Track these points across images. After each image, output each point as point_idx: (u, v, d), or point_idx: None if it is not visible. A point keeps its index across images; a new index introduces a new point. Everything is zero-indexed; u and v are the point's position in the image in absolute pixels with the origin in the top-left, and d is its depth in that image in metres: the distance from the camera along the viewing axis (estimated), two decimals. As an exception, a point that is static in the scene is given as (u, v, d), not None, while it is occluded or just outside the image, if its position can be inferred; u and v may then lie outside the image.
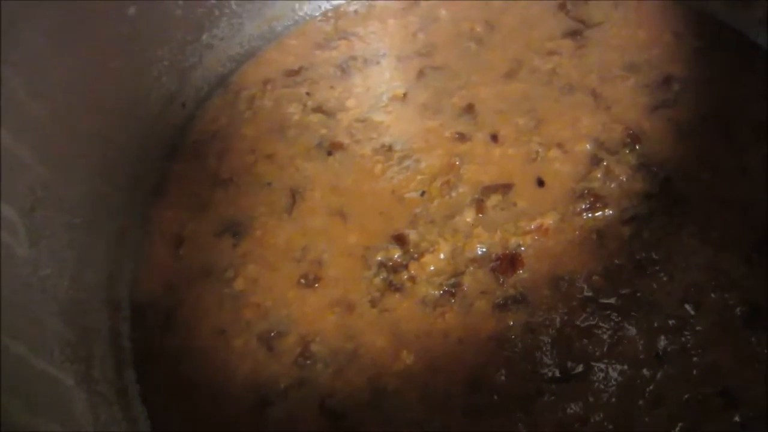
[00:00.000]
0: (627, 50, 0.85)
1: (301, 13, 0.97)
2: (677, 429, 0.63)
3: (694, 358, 0.66)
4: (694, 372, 0.65)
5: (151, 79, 0.82)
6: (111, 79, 0.75)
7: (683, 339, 0.67)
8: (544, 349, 0.69)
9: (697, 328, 0.67)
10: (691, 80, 0.81)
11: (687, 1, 0.86)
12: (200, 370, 0.74)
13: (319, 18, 0.99)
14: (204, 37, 0.88)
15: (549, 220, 0.76)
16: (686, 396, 0.64)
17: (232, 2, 0.89)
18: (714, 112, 0.79)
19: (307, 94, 0.91)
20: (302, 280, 0.77)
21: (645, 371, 0.66)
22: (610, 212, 0.75)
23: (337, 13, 0.99)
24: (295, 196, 0.83)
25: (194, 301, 0.78)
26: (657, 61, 0.84)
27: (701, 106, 0.79)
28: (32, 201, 0.63)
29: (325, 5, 0.99)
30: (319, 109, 0.90)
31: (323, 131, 0.88)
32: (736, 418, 0.63)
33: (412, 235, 0.78)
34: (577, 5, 0.90)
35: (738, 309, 0.68)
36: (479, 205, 0.78)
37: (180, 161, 0.88)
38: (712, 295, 0.69)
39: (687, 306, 0.69)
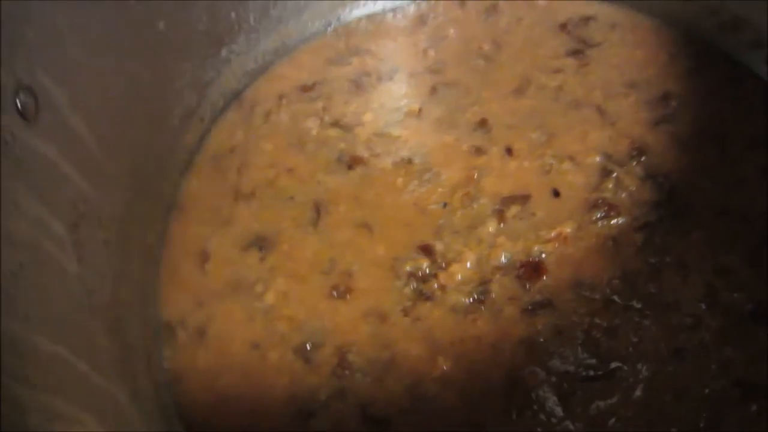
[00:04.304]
0: (626, 69, 0.92)
1: (312, 30, 0.99)
2: (702, 421, 0.69)
3: (711, 353, 0.72)
4: (712, 366, 0.71)
5: (174, 93, 0.82)
6: (141, 93, 0.75)
7: (700, 336, 0.73)
8: (574, 349, 0.73)
9: (712, 325, 0.73)
10: (687, 97, 0.88)
11: (679, 24, 0.93)
12: (237, 386, 0.74)
13: (330, 34, 1.01)
14: (223, 51, 0.89)
15: (567, 229, 0.81)
16: (707, 390, 0.70)
17: (251, 17, 0.91)
18: (710, 126, 0.86)
19: (323, 108, 0.93)
20: (333, 292, 0.79)
21: (668, 367, 0.71)
22: (623, 220, 0.81)
23: (347, 29, 1.01)
24: (319, 209, 0.85)
25: (225, 316, 0.78)
26: (655, 79, 0.90)
27: (698, 120, 0.86)
28: (76, 216, 0.62)
29: (335, 22, 1.01)
30: (336, 124, 0.92)
31: (342, 145, 0.90)
32: (754, 407, 0.69)
33: (438, 246, 0.81)
34: (577, 26, 0.96)
35: (746, 307, 0.74)
36: (500, 216, 0.82)
37: (199, 176, 0.88)
38: (722, 294, 0.75)
39: (701, 305, 0.75)
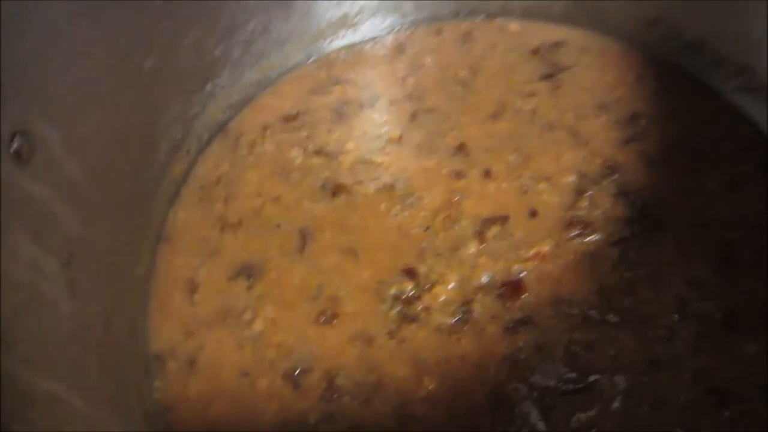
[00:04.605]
0: (597, 91, 0.95)
1: (294, 61, 1.02)
2: (679, 429, 0.71)
3: (685, 363, 0.75)
4: (687, 375, 0.74)
5: (161, 128, 0.84)
6: (129, 131, 0.77)
7: (674, 346, 0.76)
8: (554, 364, 0.76)
9: (684, 335, 0.76)
10: (655, 116, 0.92)
11: (645, 47, 0.97)
12: (228, 414, 0.76)
13: (311, 65, 1.05)
14: (208, 86, 0.92)
15: (545, 247, 0.84)
16: (682, 398, 0.73)
17: (235, 52, 0.94)
18: (677, 143, 0.89)
19: (307, 137, 0.96)
20: (321, 318, 0.81)
21: (644, 378, 0.74)
22: (599, 236, 0.84)
23: (328, 60, 1.05)
24: (305, 236, 0.87)
25: (214, 345, 0.80)
26: (624, 100, 0.94)
27: (666, 138, 0.90)
28: (68, 254, 0.64)
29: (316, 53, 1.04)
30: (320, 152, 0.94)
31: (326, 173, 0.92)
32: (727, 413, 0.72)
33: (422, 268, 0.83)
34: (549, 51, 1.00)
35: (717, 315, 0.77)
36: (480, 237, 0.85)
37: (187, 207, 0.90)
38: (694, 305, 0.78)
39: (674, 316, 0.78)
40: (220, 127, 0.96)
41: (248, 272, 0.85)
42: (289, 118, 0.98)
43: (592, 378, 0.74)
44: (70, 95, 0.65)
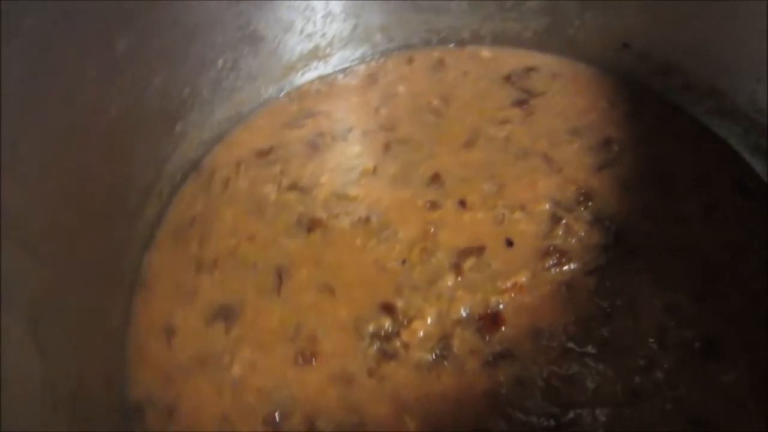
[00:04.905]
0: (569, 116, 0.96)
1: (265, 96, 1.01)
2: (663, 461, 0.71)
3: (666, 393, 0.75)
4: (668, 406, 0.74)
5: (131, 173, 0.83)
6: (98, 180, 0.76)
7: (654, 376, 0.76)
8: (535, 399, 0.76)
9: (664, 365, 0.76)
10: (628, 141, 0.92)
11: (616, 71, 0.98)
12: (209, 461, 0.75)
13: (283, 98, 1.04)
14: (178, 126, 0.91)
15: (522, 278, 0.83)
16: (665, 429, 0.73)
17: (204, 90, 0.93)
18: (651, 167, 0.89)
19: (281, 172, 0.95)
20: (299, 358, 0.80)
21: (626, 410, 0.74)
22: (575, 266, 0.83)
23: (300, 92, 1.04)
24: (281, 274, 0.86)
25: (194, 391, 0.79)
26: (596, 126, 0.94)
27: (639, 163, 0.90)
28: (35, 312, 0.63)
29: (288, 86, 1.04)
30: (294, 187, 0.94)
31: (300, 208, 0.92)
32: (708, 443, 0.72)
33: (399, 303, 0.83)
34: (521, 77, 1.00)
35: (696, 344, 0.77)
36: (457, 269, 0.85)
37: (161, 250, 0.89)
38: (672, 332, 0.78)
39: (653, 345, 0.78)
40: (193, 165, 0.95)
41: (225, 314, 0.84)
42: (263, 153, 0.97)
43: (573, 413, 0.74)
44: (34, 152, 0.64)
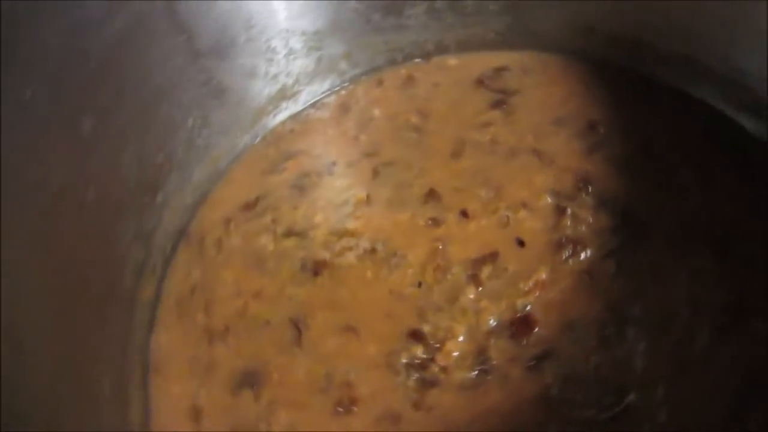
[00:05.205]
0: (549, 108, 0.95)
1: (240, 146, 0.98)
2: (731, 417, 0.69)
3: (717, 354, 0.73)
4: (719, 368, 0.72)
5: (121, 256, 0.78)
6: (85, 271, 0.71)
7: (698, 342, 0.74)
8: (588, 392, 0.73)
9: (705, 329, 0.74)
10: (611, 121, 0.92)
11: (586, 55, 0.98)
12: None
13: (258, 145, 1.01)
14: (159, 196, 0.86)
15: (542, 275, 0.81)
16: (723, 389, 0.70)
17: (178, 152, 0.89)
18: (640, 143, 0.89)
19: (273, 221, 0.91)
20: (339, 408, 0.76)
21: (680, 382, 0.71)
22: (590, 252, 0.82)
23: (274, 136, 1.01)
24: (298, 326, 0.82)
25: (234, 467, 0.75)
26: (577, 112, 0.94)
27: (627, 140, 0.90)
28: (50, 425, 0.58)
29: (261, 132, 1.01)
30: (290, 233, 0.90)
31: (302, 254, 0.88)
32: None
33: (426, 328, 0.80)
34: (492, 79, 0.99)
35: (730, 301, 0.75)
36: (475, 280, 0.82)
37: (167, 329, 0.84)
38: (704, 297, 0.76)
39: (687, 312, 0.76)
40: (181, 233, 0.91)
41: (250, 380, 0.79)
42: (250, 206, 0.94)
43: (629, 397, 0.72)
44: (7, 250, 0.59)
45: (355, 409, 0.76)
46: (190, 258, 0.90)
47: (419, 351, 0.79)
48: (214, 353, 0.82)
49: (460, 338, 0.79)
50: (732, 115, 0.89)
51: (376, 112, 1.01)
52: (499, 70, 1.01)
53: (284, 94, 1.02)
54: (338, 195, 0.94)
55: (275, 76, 1.00)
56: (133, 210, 0.81)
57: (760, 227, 0.80)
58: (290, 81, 1.02)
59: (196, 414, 0.77)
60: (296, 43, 0.99)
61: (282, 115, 1.02)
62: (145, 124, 0.83)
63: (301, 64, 1.02)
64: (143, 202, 0.84)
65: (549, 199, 0.87)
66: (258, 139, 1.00)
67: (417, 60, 1.05)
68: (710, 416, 0.70)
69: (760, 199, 0.82)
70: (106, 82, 0.77)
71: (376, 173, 0.95)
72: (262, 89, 0.99)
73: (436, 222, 0.88)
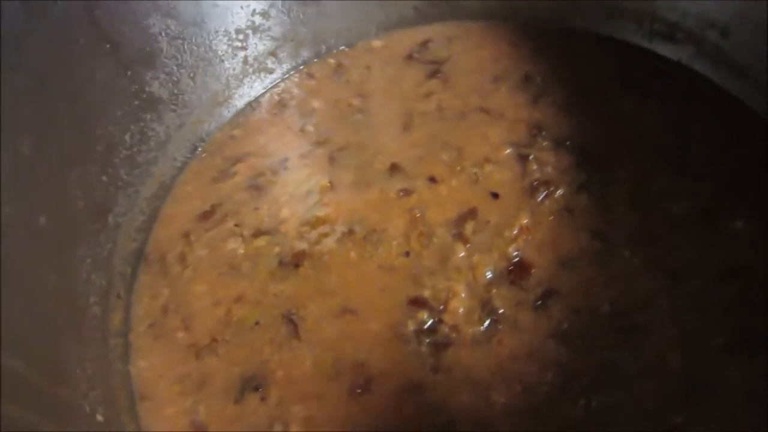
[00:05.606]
0: (483, 69, 0.97)
1: (183, 159, 0.92)
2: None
3: (699, 261, 0.75)
4: (713, 271, 0.75)
5: (83, 285, 0.70)
6: (46, 307, 0.63)
7: (685, 255, 0.76)
8: (598, 320, 0.73)
9: (689, 237, 0.77)
10: (545, 71, 0.95)
11: (506, 19, 1.01)
12: None
13: (201, 155, 0.94)
14: (110, 219, 0.79)
15: (524, 220, 0.82)
16: (718, 296, 0.73)
17: (121, 172, 0.81)
18: (576, 86, 0.93)
19: (237, 225, 0.85)
20: (357, 390, 0.71)
21: (678, 293, 0.74)
22: (563, 190, 0.83)
23: (216, 144, 0.95)
24: (292, 320, 0.77)
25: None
26: (511, 68, 0.96)
27: (564, 85, 0.93)
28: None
29: (202, 141, 0.95)
30: (258, 233, 0.85)
31: (276, 249, 0.83)
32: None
33: (426, 292, 0.78)
34: (420, 52, 1.01)
35: (703, 207, 0.80)
36: (461, 238, 0.81)
37: (145, 354, 0.75)
38: (678, 208, 0.79)
39: (668, 223, 0.79)
40: (138, 255, 0.83)
41: (253, 384, 0.72)
42: (207, 215, 0.87)
43: (639, 318, 0.73)
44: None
45: (373, 387, 0.71)
46: (152, 279, 0.82)
47: (425, 315, 0.76)
48: (206, 366, 0.75)
49: (462, 295, 0.77)
50: (651, 47, 0.96)
51: (315, 103, 0.98)
52: (425, 43, 1.02)
53: (217, 101, 0.97)
54: (299, 187, 0.90)
55: (204, 83, 0.95)
56: (86, 235, 0.73)
57: (709, 133, 0.86)
58: (220, 86, 0.97)
59: (200, 429, 0.69)
60: (220, 45, 0.96)
61: (219, 122, 0.97)
62: (85, 144, 0.76)
63: (228, 67, 0.98)
64: (96, 226, 0.76)
65: (509, 150, 0.88)
66: (200, 149, 0.94)
67: (342, 48, 1.05)
68: (707, 323, 0.71)
69: (697, 118, 0.88)
70: (38, 100, 0.70)
71: (332, 159, 0.92)
72: (194, 97, 0.94)
73: (407, 192, 0.87)
